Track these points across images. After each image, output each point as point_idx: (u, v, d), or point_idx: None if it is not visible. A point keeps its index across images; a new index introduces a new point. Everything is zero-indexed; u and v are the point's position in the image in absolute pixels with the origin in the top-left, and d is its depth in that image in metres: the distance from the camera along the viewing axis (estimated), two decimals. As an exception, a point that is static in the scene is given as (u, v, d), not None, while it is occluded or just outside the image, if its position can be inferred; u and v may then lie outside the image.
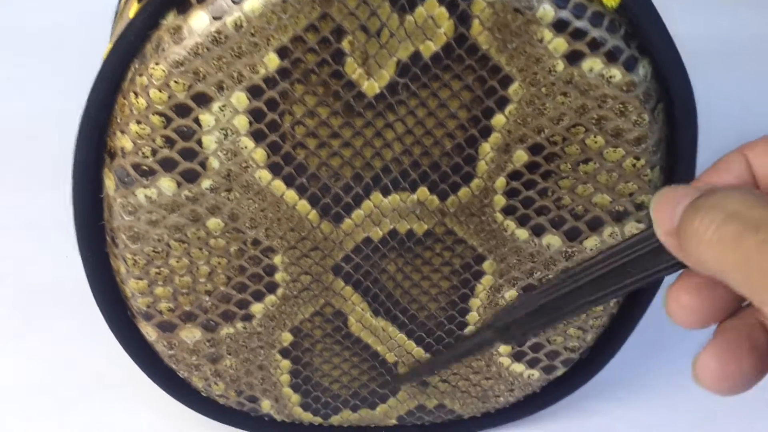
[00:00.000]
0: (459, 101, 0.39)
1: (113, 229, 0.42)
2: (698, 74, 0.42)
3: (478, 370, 0.47)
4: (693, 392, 0.52)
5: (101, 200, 0.41)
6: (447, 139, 0.40)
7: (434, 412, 0.49)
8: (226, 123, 0.39)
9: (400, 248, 0.43)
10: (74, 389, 0.53)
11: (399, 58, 0.38)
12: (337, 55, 0.38)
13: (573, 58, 0.38)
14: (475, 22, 0.37)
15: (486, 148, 0.40)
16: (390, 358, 0.46)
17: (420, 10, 0.37)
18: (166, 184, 0.40)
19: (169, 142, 0.39)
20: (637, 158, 0.41)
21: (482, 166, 0.41)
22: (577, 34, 0.38)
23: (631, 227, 0.43)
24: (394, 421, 0.49)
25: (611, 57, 0.38)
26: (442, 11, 0.37)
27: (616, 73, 0.39)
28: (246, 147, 0.39)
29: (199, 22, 0.37)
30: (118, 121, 0.39)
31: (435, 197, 0.42)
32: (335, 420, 0.49)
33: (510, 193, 0.42)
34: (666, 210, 0.30)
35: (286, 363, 0.46)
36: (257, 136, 0.39)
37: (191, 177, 0.40)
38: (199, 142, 0.39)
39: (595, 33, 0.38)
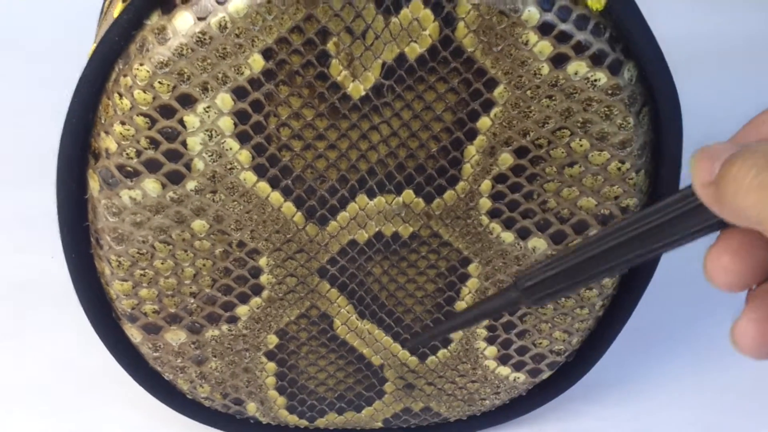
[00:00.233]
0: (444, 104, 0.39)
1: (98, 231, 0.41)
2: (683, 77, 0.42)
3: (464, 373, 0.47)
4: (679, 394, 0.53)
5: (86, 201, 0.41)
6: (432, 142, 0.40)
7: (420, 415, 0.49)
8: (211, 124, 0.39)
9: (386, 251, 0.43)
10: (60, 390, 0.52)
11: (384, 60, 0.38)
12: (322, 56, 0.37)
13: (558, 61, 0.38)
14: (461, 25, 0.37)
15: (471, 150, 0.40)
16: (376, 360, 0.46)
17: (405, 12, 0.37)
18: (151, 185, 0.40)
19: (154, 143, 0.39)
20: (623, 162, 0.41)
21: (467, 168, 0.41)
22: (562, 37, 0.38)
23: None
24: (380, 424, 0.49)
25: (596, 60, 0.38)
26: (427, 13, 0.37)
27: (601, 77, 0.39)
28: (231, 149, 0.39)
29: (183, 22, 0.37)
30: (103, 121, 0.39)
31: (420, 200, 0.42)
32: (321, 423, 0.49)
33: (495, 196, 0.42)
34: (706, 162, 0.29)
35: (271, 365, 0.46)
36: (242, 138, 0.39)
37: (176, 178, 0.40)
38: (184, 144, 0.39)
39: (580, 36, 0.38)
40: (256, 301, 0.44)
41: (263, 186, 0.40)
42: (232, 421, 0.49)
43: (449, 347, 0.46)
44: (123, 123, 0.38)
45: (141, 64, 0.37)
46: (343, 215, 0.42)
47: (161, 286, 0.43)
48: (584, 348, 0.47)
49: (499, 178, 0.41)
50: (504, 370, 0.47)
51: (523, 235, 0.43)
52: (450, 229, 0.42)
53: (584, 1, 0.38)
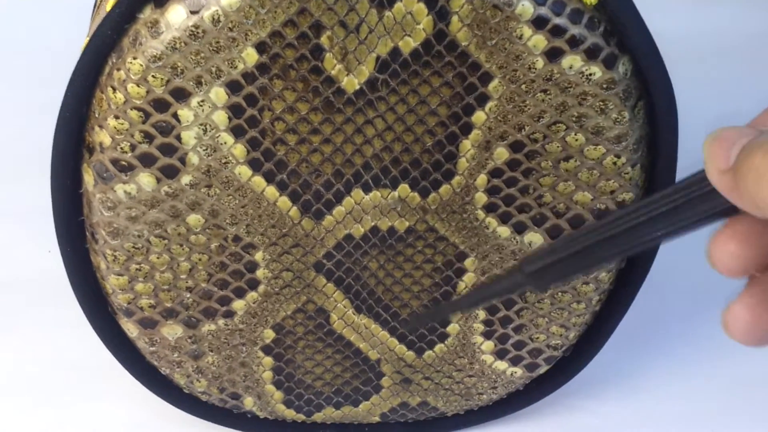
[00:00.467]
0: (439, 98, 0.39)
1: (93, 225, 0.42)
2: (678, 71, 0.42)
3: (461, 367, 0.47)
4: (676, 388, 0.52)
5: (81, 196, 0.41)
6: (427, 136, 0.40)
7: (417, 410, 0.49)
8: (205, 118, 0.39)
9: (382, 245, 0.43)
10: (56, 385, 0.52)
11: (378, 54, 0.38)
12: (316, 50, 0.37)
13: (552, 55, 0.38)
14: (454, 19, 0.37)
15: (467, 145, 0.40)
16: (372, 355, 0.46)
17: (399, 5, 0.37)
18: (146, 179, 0.40)
19: (148, 137, 0.39)
20: (618, 156, 0.41)
21: (463, 163, 0.41)
22: (557, 31, 0.38)
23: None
24: (377, 419, 0.49)
25: (591, 54, 0.38)
26: (420, 7, 0.37)
27: (596, 71, 0.39)
28: (226, 143, 0.39)
29: (176, 16, 0.37)
30: (97, 115, 0.39)
31: (416, 194, 0.41)
32: (318, 417, 0.49)
33: (491, 191, 0.42)
34: (722, 148, 0.28)
35: (268, 360, 0.46)
36: (237, 132, 0.39)
37: (171, 173, 0.40)
38: (179, 138, 0.39)
39: (574, 30, 0.38)
40: (252, 295, 0.44)
41: (258, 180, 0.40)
42: (229, 415, 0.49)
43: (446, 342, 0.46)
44: (117, 117, 0.38)
45: (134, 58, 0.37)
46: (339, 210, 0.42)
47: (157, 280, 0.43)
48: (581, 343, 0.47)
49: (495, 173, 0.41)
50: (501, 365, 0.47)
51: (519, 229, 0.43)
52: (446, 224, 0.42)
53: (579, -6, 0.38)
